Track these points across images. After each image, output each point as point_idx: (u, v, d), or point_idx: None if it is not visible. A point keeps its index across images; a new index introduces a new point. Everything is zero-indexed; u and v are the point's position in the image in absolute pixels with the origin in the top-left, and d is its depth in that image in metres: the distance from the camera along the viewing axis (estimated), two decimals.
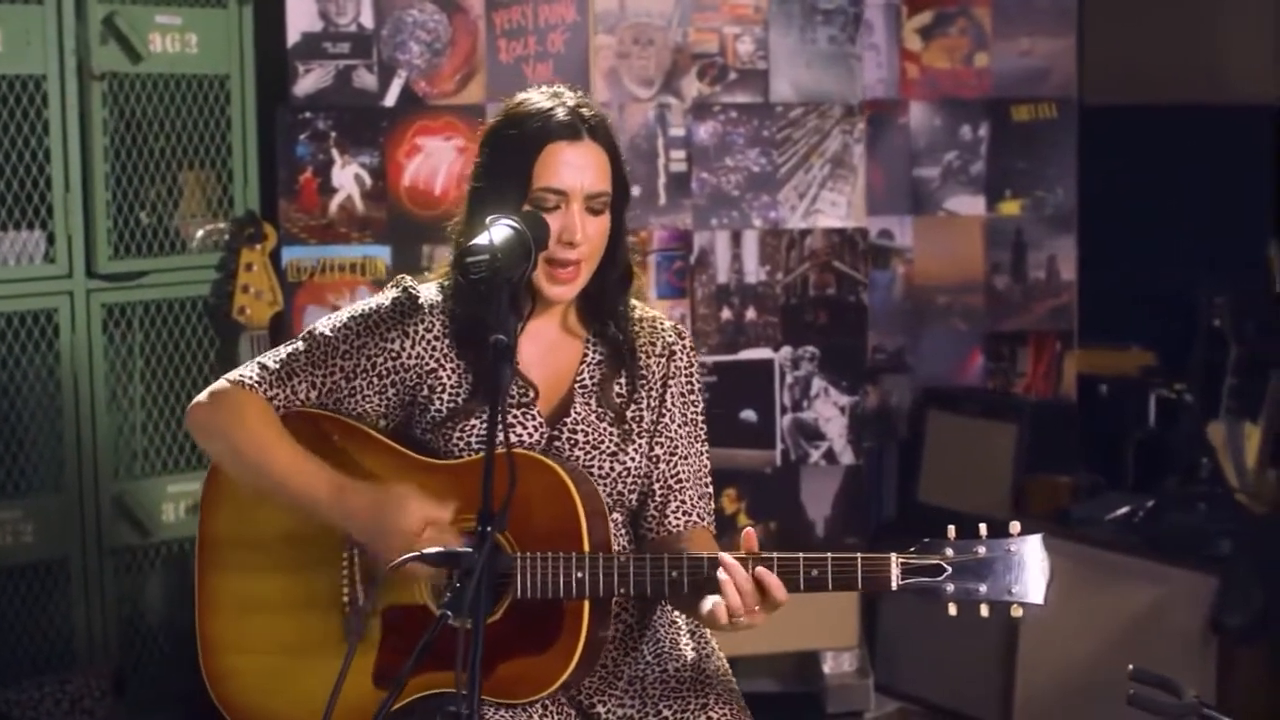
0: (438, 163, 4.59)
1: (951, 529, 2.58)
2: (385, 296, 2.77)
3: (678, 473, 2.78)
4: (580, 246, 2.64)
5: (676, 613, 2.84)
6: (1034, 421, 4.97)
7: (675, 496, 2.78)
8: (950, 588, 2.53)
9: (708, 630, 2.86)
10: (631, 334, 2.78)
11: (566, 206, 2.64)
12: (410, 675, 2.42)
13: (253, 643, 2.77)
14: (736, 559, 2.53)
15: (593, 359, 2.77)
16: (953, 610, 2.55)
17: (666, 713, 2.73)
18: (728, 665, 2.86)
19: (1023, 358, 5.42)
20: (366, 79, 4.55)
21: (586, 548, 2.61)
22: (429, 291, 2.77)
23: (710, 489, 2.85)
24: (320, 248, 4.54)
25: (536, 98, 2.71)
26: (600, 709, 2.72)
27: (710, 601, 2.55)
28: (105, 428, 4.32)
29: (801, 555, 2.56)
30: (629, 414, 2.76)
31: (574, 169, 2.64)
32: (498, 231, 2.49)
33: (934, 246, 5.34)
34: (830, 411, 4.86)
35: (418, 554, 2.34)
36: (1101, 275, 5.48)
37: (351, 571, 2.72)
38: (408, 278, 2.80)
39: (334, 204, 4.54)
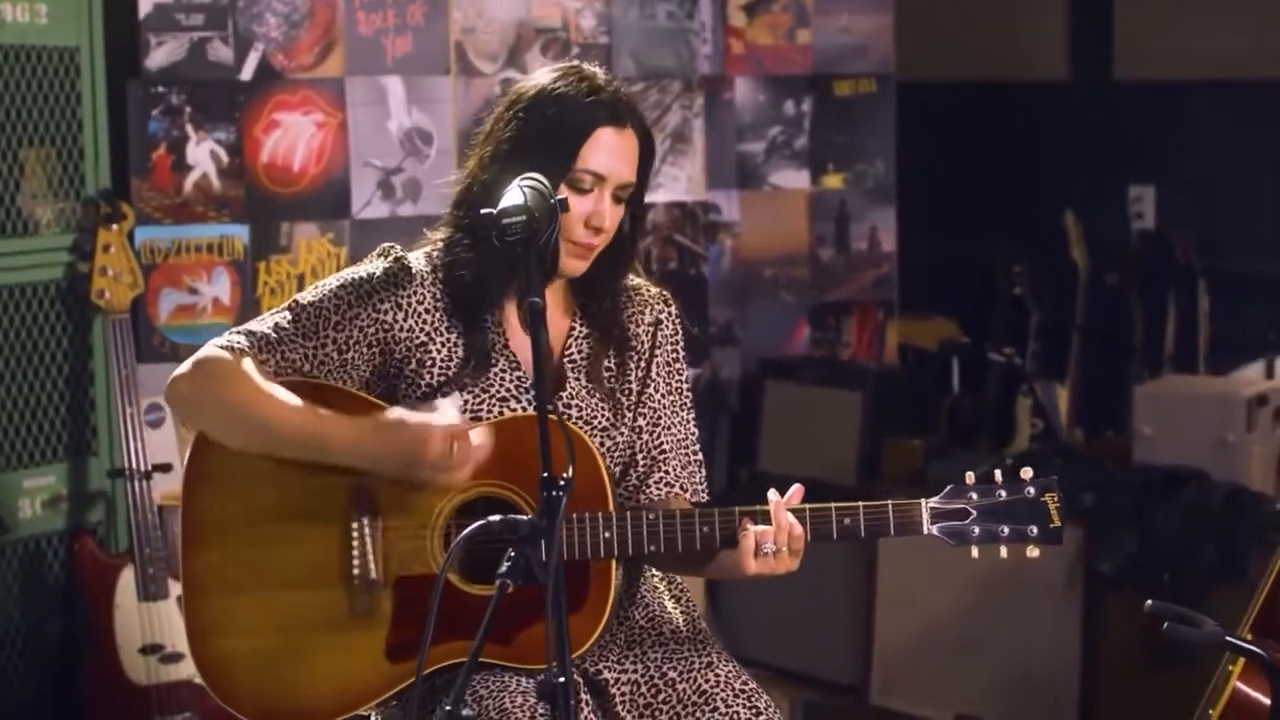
0: (296, 138, 4.49)
1: (970, 475, 2.64)
2: (375, 266, 2.70)
3: (661, 443, 2.78)
4: (603, 234, 2.65)
5: (657, 577, 2.83)
6: (877, 388, 5.05)
7: (658, 468, 2.77)
8: (976, 530, 2.61)
9: (688, 592, 2.86)
10: (620, 310, 2.76)
11: (600, 191, 2.63)
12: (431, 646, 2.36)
13: (249, 624, 2.66)
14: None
15: (580, 333, 2.76)
16: (975, 553, 2.63)
17: (672, 674, 2.72)
18: None
19: (847, 327, 5.52)
20: (222, 52, 4.42)
21: (612, 509, 2.59)
22: (419, 261, 2.71)
23: (699, 458, 2.84)
24: (175, 228, 4.40)
25: (573, 76, 2.65)
26: (607, 674, 2.70)
27: (738, 549, 2.56)
28: None
29: (834, 505, 2.59)
30: (619, 390, 2.75)
31: (617, 156, 2.63)
32: (529, 193, 2.44)
33: (760, 220, 5.39)
34: None
35: (483, 522, 2.27)
36: (910, 246, 5.63)
37: (364, 543, 2.63)
38: (397, 246, 2.73)
39: (189, 182, 4.40)
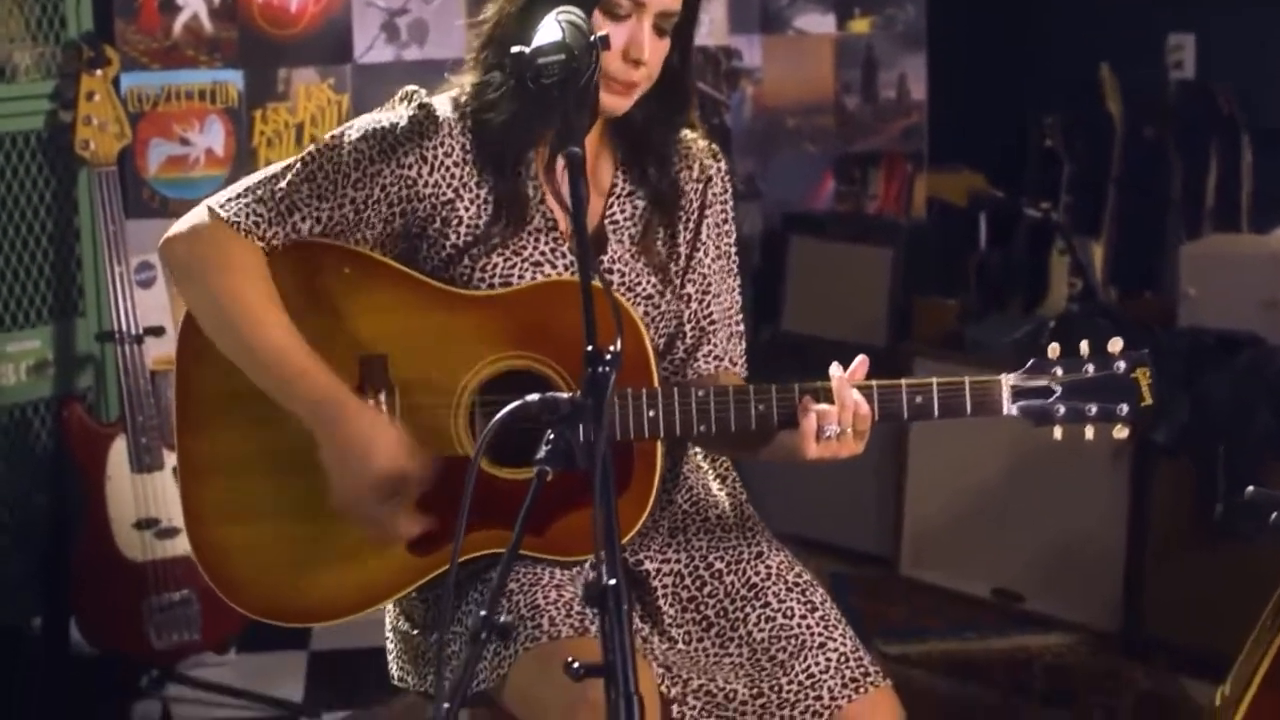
0: None
1: (1055, 347, 2.38)
2: (399, 114, 2.42)
3: (710, 312, 2.54)
4: (644, 69, 2.36)
5: (700, 455, 2.59)
6: (908, 244, 4.80)
7: (708, 339, 2.53)
8: (1061, 409, 2.38)
9: (734, 471, 2.62)
10: (675, 169, 2.50)
11: (639, 20, 2.35)
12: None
13: (254, 510, 2.42)
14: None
15: (623, 189, 2.49)
16: (1058, 434, 2.38)
17: (719, 564, 2.48)
18: None
19: (874, 180, 5.29)
20: None
21: (657, 384, 2.35)
22: (444, 108, 2.43)
23: (741, 329, 2.60)
24: (164, 73, 4.14)
25: None
26: (648, 565, 2.47)
27: (797, 431, 2.32)
28: None
29: (904, 381, 2.34)
30: (666, 254, 2.50)
31: None
32: (567, 29, 2.15)
33: (784, 67, 5.16)
34: None
35: (519, 402, 2.00)
36: (937, 95, 5.37)
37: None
38: (421, 91, 2.45)
39: (178, 24, 4.15)
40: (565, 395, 2.02)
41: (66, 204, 4.02)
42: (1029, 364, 2.37)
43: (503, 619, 1.94)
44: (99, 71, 3.89)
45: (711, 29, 4.83)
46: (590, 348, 1.99)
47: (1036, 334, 4.35)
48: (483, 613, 1.91)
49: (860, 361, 2.35)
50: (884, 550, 4.65)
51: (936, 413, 2.34)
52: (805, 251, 5.02)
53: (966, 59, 5.43)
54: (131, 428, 3.82)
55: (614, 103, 2.37)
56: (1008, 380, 2.36)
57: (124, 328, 3.85)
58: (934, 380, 2.34)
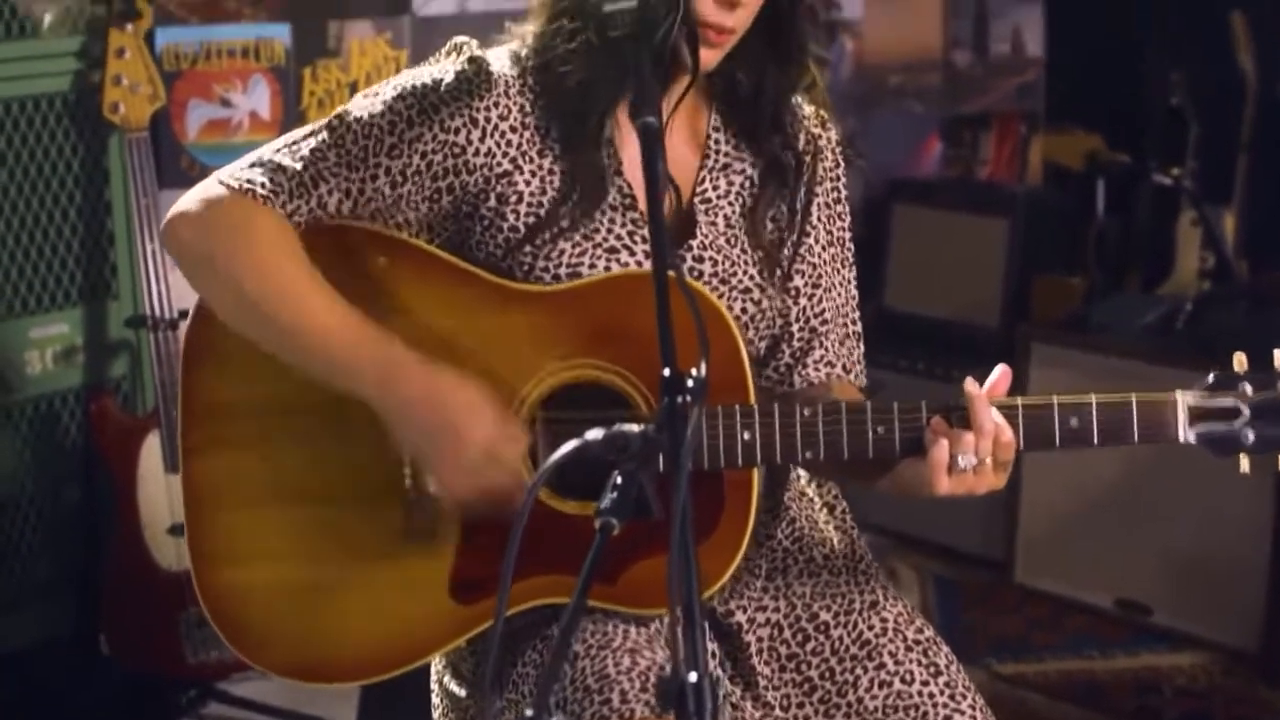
0: None
1: (1240, 356, 1.95)
2: (444, 68, 2.03)
3: (822, 310, 2.14)
4: (740, 10, 1.97)
5: (805, 479, 2.18)
6: (1026, 214, 4.38)
7: (819, 341, 2.14)
8: (1250, 436, 1.96)
9: (844, 502, 2.22)
10: (797, 141, 2.10)
11: None
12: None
13: (270, 549, 2.06)
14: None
15: (717, 161, 2.10)
16: (1245, 467, 1.95)
17: (825, 615, 2.10)
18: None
19: (985, 143, 4.92)
20: None
21: (753, 400, 1.96)
22: (500, 63, 2.04)
23: (859, 329, 2.21)
24: (203, 28, 3.79)
25: None
26: (740, 615, 2.08)
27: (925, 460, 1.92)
28: None
29: (1055, 399, 1.91)
30: (770, 240, 2.11)
31: None
32: None
33: (886, 18, 4.84)
34: None
35: (578, 443, 1.60)
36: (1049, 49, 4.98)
37: None
38: (472, 42, 2.06)
39: None
40: (635, 429, 1.62)
41: (96, 174, 3.68)
42: (1210, 379, 1.95)
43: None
44: (129, 26, 3.55)
45: None
46: (668, 371, 1.59)
47: (1171, 317, 3.94)
48: (528, 713, 1.50)
49: (1001, 374, 1.93)
50: (995, 553, 4.25)
51: (1096, 439, 1.91)
52: (910, 221, 4.66)
53: (1085, 9, 5.05)
54: (166, 423, 3.47)
55: (704, 54, 1.97)
56: (1184, 399, 1.93)
57: (158, 311, 3.50)
58: (1093, 398, 1.91)
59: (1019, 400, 1.93)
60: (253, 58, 3.82)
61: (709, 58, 1.98)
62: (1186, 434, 1.93)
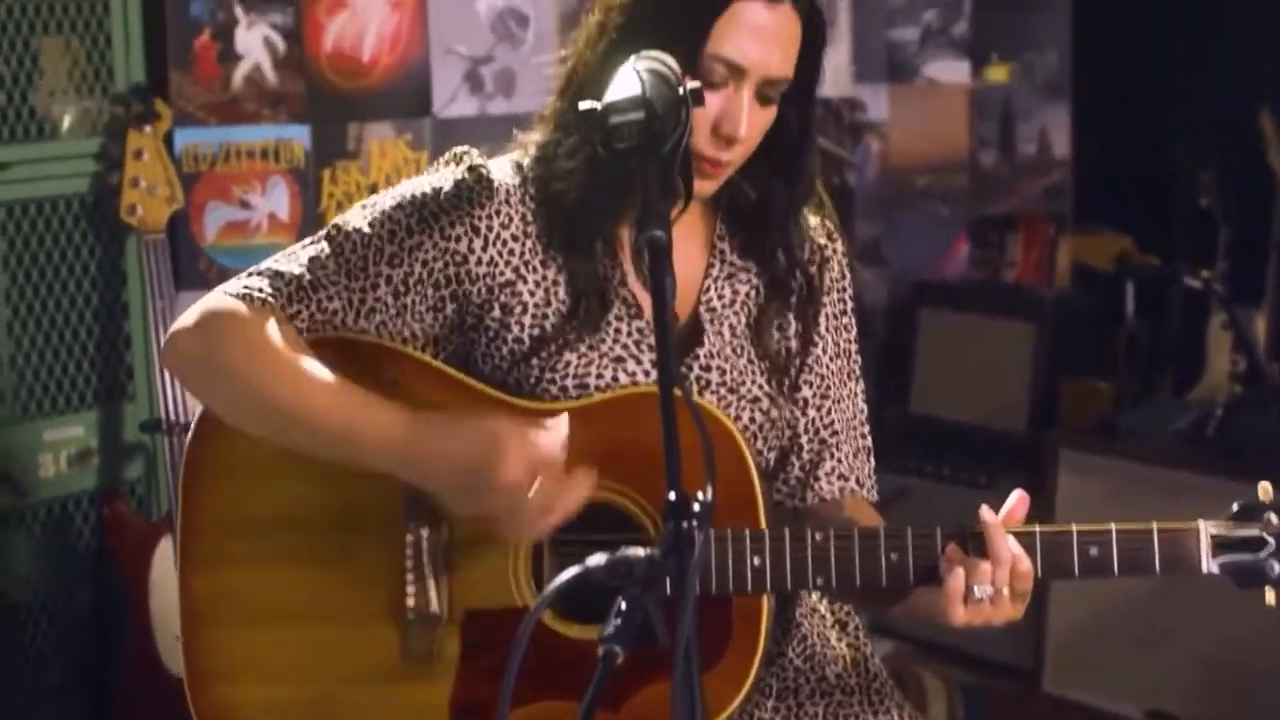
0: (366, 22, 3.89)
1: (1266, 486, 1.90)
2: (444, 177, 2.02)
3: (831, 421, 2.11)
4: (738, 147, 1.96)
5: (818, 599, 2.13)
6: (1053, 318, 4.33)
7: (830, 453, 2.11)
8: (1275, 568, 1.94)
9: (857, 619, 2.16)
10: (804, 257, 2.09)
11: (736, 88, 1.95)
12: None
13: (264, 668, 2.01)
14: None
15: (722, 271, 2.08)
16: (1271, 599, 1.89)
17: None
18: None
19: (1013, 245, 4.85)
20: None
21: (763, 524, 1.90)
22: (502, 172, 2.02)
23: (869, 443, 2.17)
24: (222, 129, 3.79)
25: None
26: None
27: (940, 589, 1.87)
28: None
29: (1075, 529, 1.86)
30: (779, 349, 2.09)
31: (764, 40, 1.94)
32: (648, 79, 1.72)
33: (913, 119, 4.77)
34: None
35: (579, 569, 1.55)
36: (1078, 149, 4.94)
37: (421, 561, 1.95)
38: (473, 151, 2.05)
39: (238, 75, 3.80)
40: (640, 554, 1.58)
41: (113, 275, 3.67)
42: (1235, 508, 1.91)
43: None
44: (148, 128, 3.55)
45: (833, 78, 4.42)
46: (673, 495, 1.55)
47: (1202, 423, 3.87)
48: None
49: (1018, 500, 1.88)
50: (1024, 662, 4.15)
51: (1117, 569, 1.86)
52: (936, 324, 4.59)
53: (1113, 110, 5.01)
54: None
55: (700, 186, 1.96)
56: (1207, 528, 1.88)
57: (173, 415, 3.46)
58: (1113, 526, 1.86)
59: (1037, 527, 1.88)
60: (272, 159, 3.81)
61: (705, 187, 1.98)
62: (1209, 565, 1.89)
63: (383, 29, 3.88)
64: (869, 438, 2.16)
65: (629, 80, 1.72)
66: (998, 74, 4.78)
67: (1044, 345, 4.34)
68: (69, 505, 3.65)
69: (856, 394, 2.16)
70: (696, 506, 1.55)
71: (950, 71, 4.72)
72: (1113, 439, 4.02)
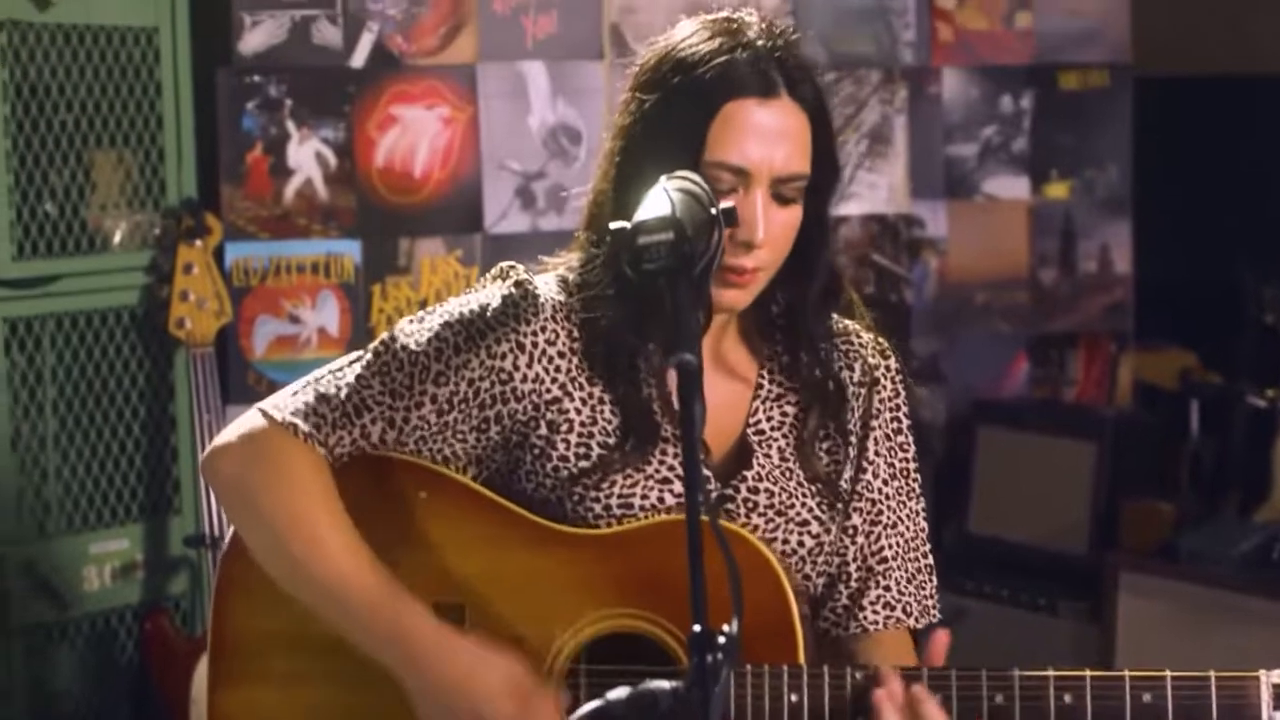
0: (418, 137, 3.92)
1: None
2: (491, 294, 2.00)
3: (880, 548, 2.06)
4: (760, 250, 1.91)
5: None
6: (1114, 437, 4.26)
7: (877, 581, 2.06)
8: None
9: None
10: (834, 364, 2.04)
11: (746, 191, 1.90)
12: None
13: None
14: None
15: (770, 391, 2.04)
16: None
17: None
18: None
19: (1073, 363, 4.79)
20: (329, 33, 3.86)
21: (801, 658, 1.86)
22: (548, 287, 2.00)
23: (929, 562, 2.11)
24: (273, 243, 3.82)
25: (707, 30, 1.95)
26: None
27: None
28: (9, 474, 3.50)
29: (1128, 673, 1.80)
30: (831, 472, 2.03)
31: (763, 139, 1.90)
32: (678, 199, 1.69)
33: (972, 236, 4.72)
34: None
35: (599, 703, 1.51)
36: (1140, 265, 4.88)
37: None
38: (519, 267, 2.03)
39: (290, 190, 3.84)
40: (665, 687, 1.52)
41: (161, 388, 3.70)
42: None
43: None
44: (198, 242, 3.59)
45: (889, 195, 4.40)
46: (698, 627, 1.50)
47: (1268, 545, 3.80)
48: None
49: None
50: None
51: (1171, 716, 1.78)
52: (995, 443, 4.52)
53: (1175, 226, 4.96)
54: None
55: (731, 298, 1.93)
56: (1268, 679, 1.81)
57: (217, 530, 3.46)
58: (1166, 675, 1.78)
59: (1086, 671, 1.81)
60: (322, 274, 3.82)
61: (737, 298, 1.93)
62: (1273, 717, 1.79)
63: (434, 144, 3.91)
64: (930, 556, 2.11)
65: (659, 200, 1.69)
66: (1058, 190, 4.74)
67: (1104, 465, 4.26)
68: (112, 620, 3.65)
69: (917, 513, 2.10)
70: (721, 639, 1.50)
71: (1010, 188, 4.68)
72: (1175, 561, 3.94)
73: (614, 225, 1.72)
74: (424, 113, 3.91)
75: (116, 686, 3.63)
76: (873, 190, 4.39)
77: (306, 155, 3.82)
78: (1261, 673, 1.81)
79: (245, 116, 3.79)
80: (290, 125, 3.80)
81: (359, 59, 3.87)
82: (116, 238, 3.63)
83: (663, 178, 1.74)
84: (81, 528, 3.61)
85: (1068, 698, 1.80)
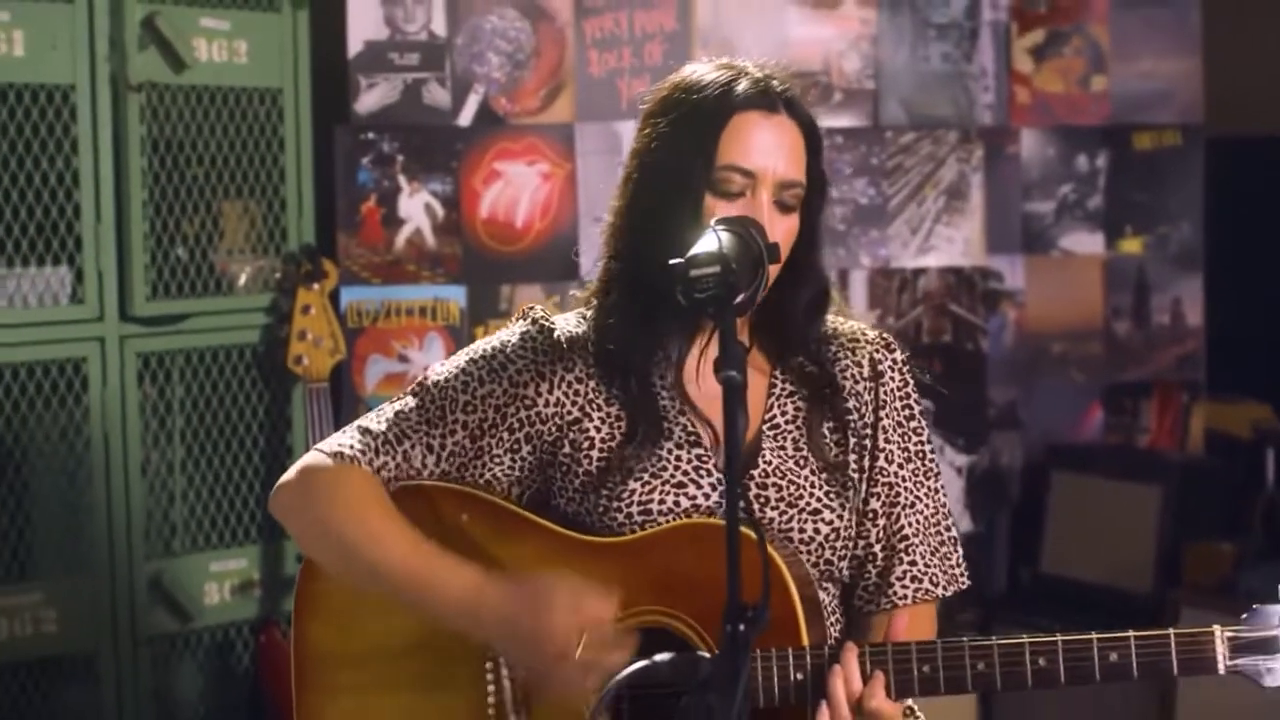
0: (519, 190, 4.13)
1: None
2: (512, 332, 2.23)
3: (901, 527, 2.22)
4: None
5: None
6: (1181, 482, 4.41)
7: (901, 558, 2.21)
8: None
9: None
10: (829, 361, 2.22)
11: (753, 195, 2.11)
12: None
13: None
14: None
15: (783, 391, 2.22)
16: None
17: None
18: None
19: (1146, 411, 4.90)
20: (438, 94, 4.09)
21: (805, 642, 2.05)
22: (566, 324, 2.23)
23: (953, 534, 2.27)
24: (385, 288, 4.04)
25: (710, 65, 2.19)
26: None
27: None
28: (139, 497, 3.74)
29: (1095, 636, 2.01)
30: (842, 463, 2.21)
31: (767, 147, 2.11)
32: (725, 237, 1.94)
33: (1048, 289, 4.83)
34: (946, 473, 4.34)
35: (645, 663, 1.74)
36: (1216, 319, 4.99)
37: (500, 690, 2.14)
38: (538, 307, 2.25)
39: (401, 238, 4.06)
40: (704, 655, 1.75)
41: (280, 421, 3.92)
42: (1249, 611, 2.10)
43: None
44: (316, 285, 3.81)
45: (966, 248, 4.58)
46: (732, 603, 1.73)
47: None
48: None
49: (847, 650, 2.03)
50: None
51: (1135, 670, 2.01)
52: (1068, 488, 4.66)
53: (1247, 280, 5.06)
54: None
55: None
56: (1223, 632, 2.05)
57: None
58: (1130, 635, 2.01)
59: (1058, 636, 2.00)
60: (429, 317, 4.04)
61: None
62: (1226, 664, 2.02)
63: (535, 197, 4.10)
64: (953, 529, 2.25)
65: (709, 239, 1.92)
66: (1131, 246, 4.86)
67: (1169, 508, 4.40)
68: (230, 633, 3.87)
69: (935, 491, 2.24)
70: (750, 613, 1.72)
71: (1085, 243, 4.81)
72: (1233, 598, 4.08)
73: (672, 261, 1.94)
74: (525, 168, 4.11)
75: (234, 694, 3.84)
76: (949, 244, 4.55)
77: (416, 206, 4.03)
78: (1216, 627, 2.03)
79: (360, 170, 4.00)
80: (401, 179, 4.01)
81: (465, 118, 4.08)
82: (241, 280, 3.87)
83: (713, 220, 1.97)
84: (204, 547, 3.84)
85: (1042, 661, 1.98)
